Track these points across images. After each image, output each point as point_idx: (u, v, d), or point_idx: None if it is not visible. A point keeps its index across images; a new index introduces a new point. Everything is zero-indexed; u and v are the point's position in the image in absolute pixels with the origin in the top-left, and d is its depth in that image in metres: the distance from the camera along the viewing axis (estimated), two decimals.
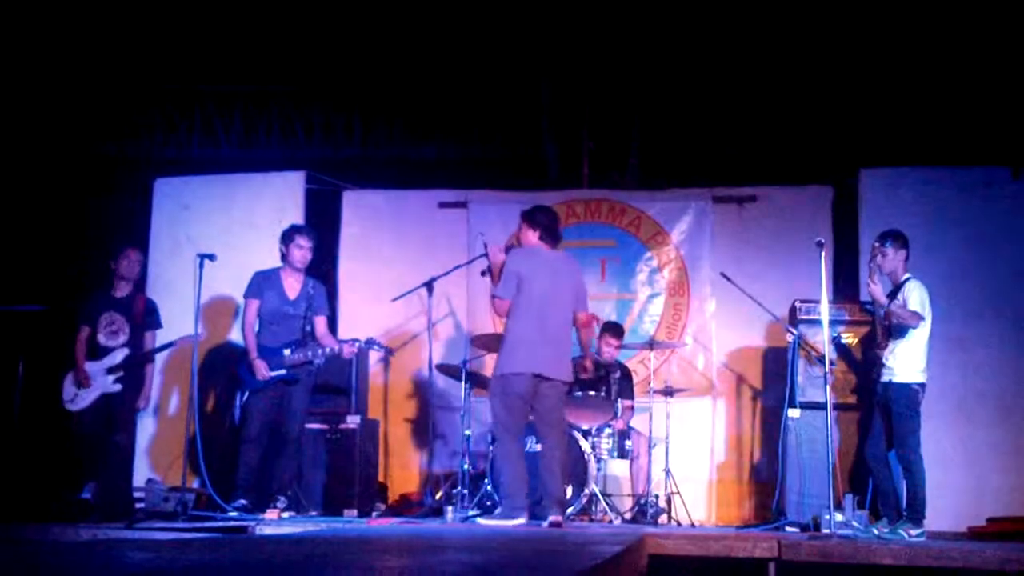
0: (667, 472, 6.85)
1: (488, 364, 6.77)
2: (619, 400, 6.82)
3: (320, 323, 6.30)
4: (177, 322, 6.62)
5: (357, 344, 6.18)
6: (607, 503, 6.62)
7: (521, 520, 5.10)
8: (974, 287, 7.06)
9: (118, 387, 6.39)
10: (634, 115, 8.34)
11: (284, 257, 6.27)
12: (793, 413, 6.26)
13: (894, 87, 7.78)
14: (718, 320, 7.78)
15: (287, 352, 6.09)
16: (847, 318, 6.40)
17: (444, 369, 6.89)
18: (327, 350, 6.13)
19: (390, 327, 7.71)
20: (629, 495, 7.07)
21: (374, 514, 6.63)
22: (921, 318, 5.47)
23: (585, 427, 6.59)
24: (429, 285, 6.56)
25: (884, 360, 5.60)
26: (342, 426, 6.74)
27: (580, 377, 5.86)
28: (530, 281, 5.33)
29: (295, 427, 6.15)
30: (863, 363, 6.22)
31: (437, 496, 6.82)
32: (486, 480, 6.37)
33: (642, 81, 8.24)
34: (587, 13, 7.78)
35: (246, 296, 6.23)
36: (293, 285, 6.27)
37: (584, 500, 6.32)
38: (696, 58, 8.03)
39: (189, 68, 8.36)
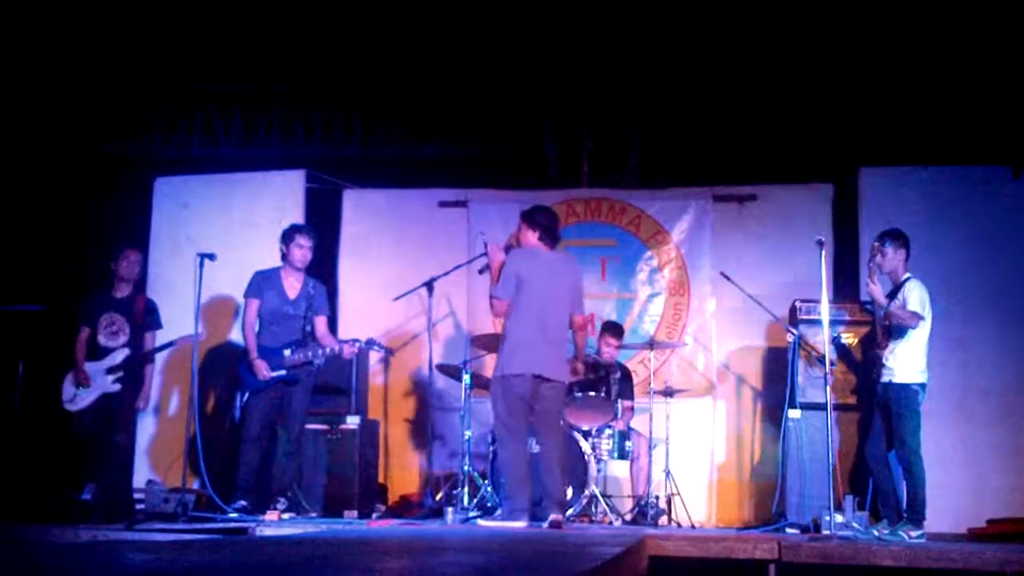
0: (667, 473, 6.84)
1: (488, 364, 6.77)
2: (619, 401, 6.82)
3: (320, 323, 6.30)
4: (177, 322, 6.61)
5: (357, 344, 6.18)
6: (607, 504, 6.61)
7: (522, 522, 5.08)
8: (974, 286, 7.05)
9: (117, 387, 6.39)
10: (634, 114, 8.33)
11: (284, 257, 6.27)
12: (793, 414, 6.26)
13: (895, 86, 7.78)
14: (718, 320, 7.77)
15: (287, 352, 6.09)
16: (847, 318, 6.40)
17: (444, 369, 6.88)
18: (327, 350, 6.12)
19: (390, 327, 7.71)
20: (629, 496, 7.07)
21: (374, 515, 6.62)
22: (921, 318, 5.46)
23: (585, 428, 6.58)
24: (429, 285, 6.55)
25: (884, 360, 5.60)
26: (342, 427, 6.74)
27: (571, 380, 5.85)
28: (530, 282, 5.33)
29: (295, 428, 6.14)
30: (863, 363, 6.22)
31: (437, 497, 6.81)
32: (486, 481, 6.37)
33: (642, 81, 8.23)
34: (587, 13, 7.77)
35: (246, 296, 6.23)
36: (293, 285, 6.26)
37: (584, 501, 6.31)
38: (696, 57, 8.02)
39: (189, 68, 8.36)
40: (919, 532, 5.27)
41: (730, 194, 7.91)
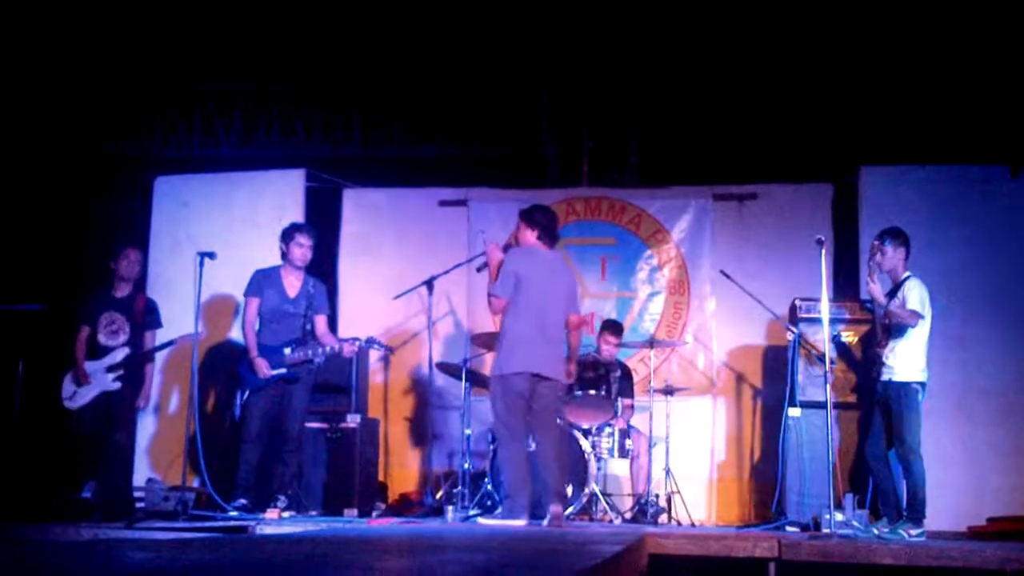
0: (667, 471, 6.84)
1: (488, 363, 6.76)
2: (619, 399, 6.82)
3: (320, 322, 6.30)
4: (177, 321, 6.61)
5: (357, 343, 6.18)
6: (607, 502, 6.62)
7: (522, 521, 5.09)
8: (974, 285, 7.05)
9: (117, 385, 6.39)
10: (634, 114, 8.34)
11: (284, 255, 6.27)
12: (793, 412, 6.26)
13: (894, 85, 7.79)
14: (718, 318, 7.77)
15: (287, 351, 6.09)
16: (847, 316, 6.40)
17: (444, 368, 6.89)
18: (327, 349, 6.13)
19: (390, 325, 7.71)
20: (629, 494, 7.07)
21: (374, 513, 6.62)
22: (920, 317, 5.46)
23: (585, 426, 6.58)
24: (429, 283, 6.55)
25: (884, 359, 5.60)
26: (342, 425, 6.74)
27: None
28: (528, 281, 5.33)
29: (295, 426, 6.15)
30: (863, 362, 6.22)
31: (437, 495, 6.82)
32: (486, 479, 6.37)
33: (641, 80, 8.24)
34: (586, 13, 7.78)
35: (246, 294, 6.23)
36: (293, 283, 6.26)
37: (584, 499, 6.31)
38: (695, 56, 8.03)
39: (189, 68, 8.36)
40: (919, 530, 5.27)
41: (730, 193, 7.91)
